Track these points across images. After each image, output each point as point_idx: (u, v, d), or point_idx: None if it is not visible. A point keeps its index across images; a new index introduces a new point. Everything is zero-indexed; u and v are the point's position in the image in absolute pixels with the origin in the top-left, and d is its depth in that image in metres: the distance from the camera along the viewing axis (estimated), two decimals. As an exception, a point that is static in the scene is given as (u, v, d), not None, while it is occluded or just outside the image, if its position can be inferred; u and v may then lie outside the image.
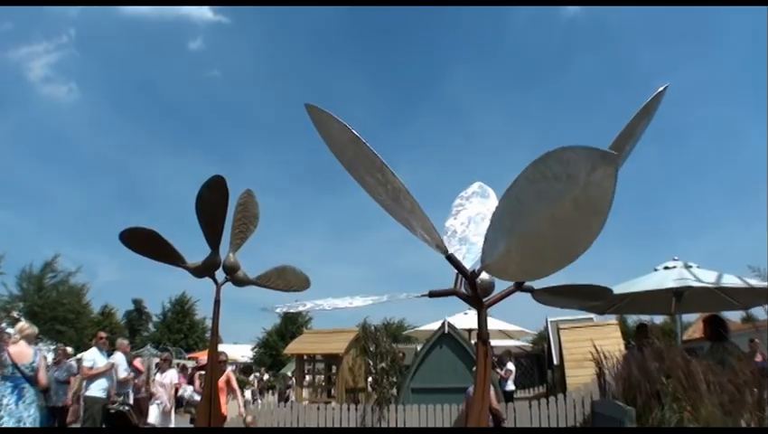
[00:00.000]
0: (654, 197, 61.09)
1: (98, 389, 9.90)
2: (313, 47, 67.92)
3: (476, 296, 3.37)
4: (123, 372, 10.86)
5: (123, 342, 11.75)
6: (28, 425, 6.58)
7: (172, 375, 11.45)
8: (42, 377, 6.98)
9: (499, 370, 14.10)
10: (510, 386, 14.42)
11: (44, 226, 59.29)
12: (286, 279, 6.44)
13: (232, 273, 6.11)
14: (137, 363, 12.88)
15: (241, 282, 6.20)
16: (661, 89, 2.89)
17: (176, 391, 11.65)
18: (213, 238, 5.75)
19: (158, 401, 10.91)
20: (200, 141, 67.52)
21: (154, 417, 10.79)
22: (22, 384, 6.70)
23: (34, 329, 7.35)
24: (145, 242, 5.62)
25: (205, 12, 62.42)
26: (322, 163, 66.44)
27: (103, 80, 62.64)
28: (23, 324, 7.39)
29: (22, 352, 6.83)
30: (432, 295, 3.56)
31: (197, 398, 11.77)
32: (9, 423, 6.46)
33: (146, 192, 63.79)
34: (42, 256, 33.27)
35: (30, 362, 6.81)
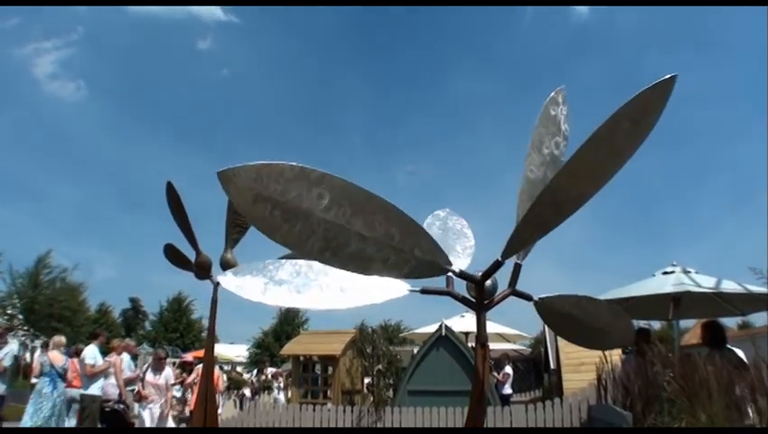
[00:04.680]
0: (653, 201, 61.24)
1: (96, 388, 9.97)
2: (319, 47, 68.04)
3: (478, 299, 3.36)
4: (128, 371, 10.95)
5: (130, 342, 12.62)
6: (58, 407, 9.67)
7: (167, 375, 10.69)
8: (70, 375, 10.33)
9: (496, 373, 14.10)
10: (508, 390, 14.42)
11: (44, 223, 59.31)
12: None
13: (229, 270, 6.06)
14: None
15: None
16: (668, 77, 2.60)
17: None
18: (190, 239, 5.92)
19: (151, 405, 10.12)
20: (205, 140, 67.61)
21: (148, 423, 9.97)
22: (56, 378, 9.83)
23: (63, 340, 10.75)
24: (170, 253, 6.15)
25: (215, 11, 62.45)
26: (324, 162, 66.37)
27: (111, 79, 62.82)
28: (57, 337, 10.67)
29: (56, 356, 10.02)
30: (424, 292, 3.53)
31: (176, 394, 11.68)
32: (47, 406, 9.54)
33: (149, 190, 63.72)
34: (40, 252, 33.14)
35: (61, 364, 10.03)
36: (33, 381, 11.84)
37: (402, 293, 3.51)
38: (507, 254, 3.15)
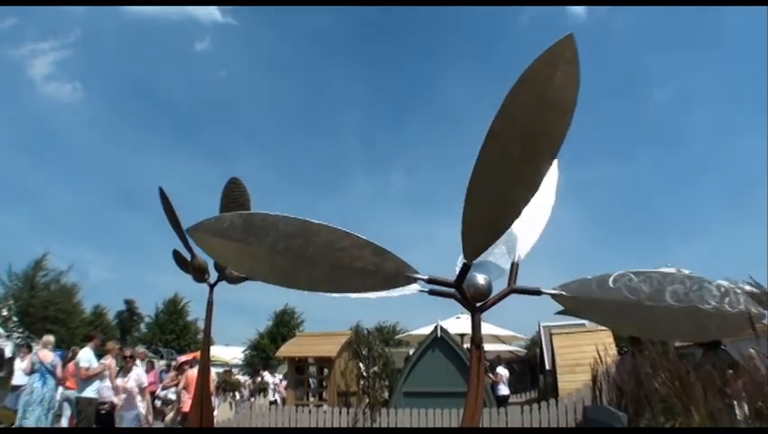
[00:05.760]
0: (648, 201, 61.41)
1: (91, 390, 9.95)
2: (316, 48, 68.10)
3: (470, 300, 3.36)
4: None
5: (139, 349, 12.93)
6: (47, 400, 9.99)
7: (138, 376, 9.96)
8: (59, 371, 10.46)
9: (491, 374, 14.11)
10: (505, 390, 14.44)
11: (39, 224, 59.07)
12: None
13: (222, 271, 6.09)
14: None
15: (234, 279, 6.16)
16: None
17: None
18: (184, 242, 6.02)
19: (123, 412, 9.52)
20: (202, 141, 67.48)
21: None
22: (46, 375, 10.16)
23: (52, 339, 11.25)
24: (177, 258, 6.33)
25: (213, 13, 62.44)
26: (322, 164, 66.68)
27: (107, 80, 62.59)
28: (46, 337, 11.20)
29: (46, 354, 10.43)
30: (432, 293, 3.54)
31: (172, 397, 11.64)
32: (36, 400, 9.86)
33: (145, 192, 63.49)
34: (35, 255, 32.93)
35: (50, 361, 10.33)
36: (13, 383, 12.08)
37: (412, 291, 3.59)
38: (468, 256, 3.15)
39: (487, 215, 2.95)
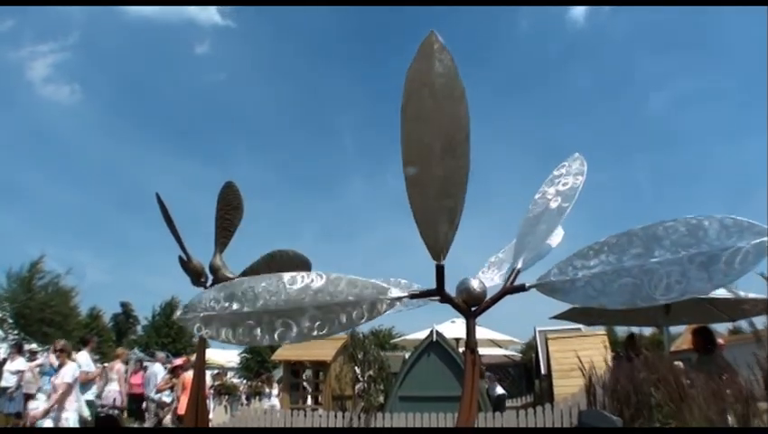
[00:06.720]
0: (646, 203, 61.60)
1: (91, 394, 9.95)
2: (315, 51, 68.28)
3: (461, 305, 3.37)
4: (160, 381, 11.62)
5: (161, 354, 13.76)
6: None
7: (66, 373, 8.36)
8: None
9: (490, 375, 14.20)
10: (500, 390, 14.54)
11: (36, 226, 59.02)
12: (278, 269, 6.23)
13: (216, 274, 6.08)
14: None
15: (225, 281, 6.13)
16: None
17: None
18: (181, 246, 6.03)
19: (53, 416, 8.03)
20: (201, 144, 67.58)
21: None
22: None
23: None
24: (181, 263, 6.27)
25: (213, 16, 62.67)
26: (319, 165, 66.77)
27: (106, 82, 62.76)
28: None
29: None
30: (442, 301, 3.54)
31: (166, 400, 11.64)
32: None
33: (143, 194, 63.48)
34: (32, 256, 32.77)
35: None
36: (2, 385, 12.08)
37: (425, 302, 3.68)
38: (436, 256, 3.19)
39: (436, 213, 3.09)
